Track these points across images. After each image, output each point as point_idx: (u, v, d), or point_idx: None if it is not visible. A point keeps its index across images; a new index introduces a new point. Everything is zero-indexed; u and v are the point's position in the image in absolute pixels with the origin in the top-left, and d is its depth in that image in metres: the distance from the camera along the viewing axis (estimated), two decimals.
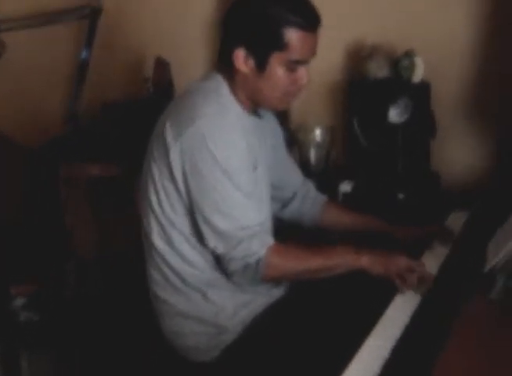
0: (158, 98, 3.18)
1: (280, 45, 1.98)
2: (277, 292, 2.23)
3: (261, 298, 2.17)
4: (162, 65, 3.23)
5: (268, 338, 2.07)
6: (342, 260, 2.06)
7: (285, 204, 2.49)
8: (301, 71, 2.04)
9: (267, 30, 1.99)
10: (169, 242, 2.11)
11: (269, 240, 2.02)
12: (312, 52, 2.05)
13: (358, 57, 3.10)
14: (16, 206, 3.27)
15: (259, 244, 1.98)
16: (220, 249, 2.00)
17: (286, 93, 2.08)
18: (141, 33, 3.53)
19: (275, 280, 2.16)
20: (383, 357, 1.63)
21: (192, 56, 3.43)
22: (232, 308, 2.12)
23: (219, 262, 2.05)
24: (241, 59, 2.03)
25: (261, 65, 2.02)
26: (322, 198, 2.52)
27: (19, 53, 3.52)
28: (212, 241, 2.00)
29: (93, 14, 3.40)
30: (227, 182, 1.97)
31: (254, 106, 2.15)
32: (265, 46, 2.00)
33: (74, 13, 3.39)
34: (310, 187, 2.51)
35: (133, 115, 3.29)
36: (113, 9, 3.46)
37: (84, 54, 3.50)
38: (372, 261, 2.03)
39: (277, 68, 2.01)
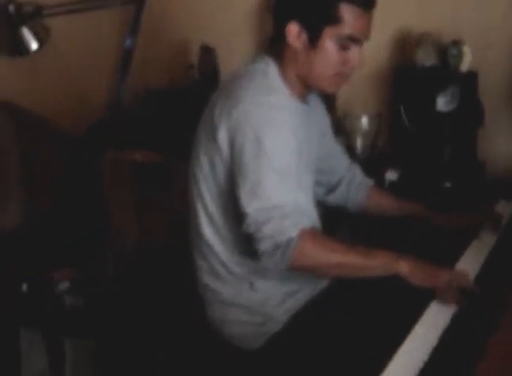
0: (203, 85, 3.19)
1: (334, 19, 1.99)
2: (323, 283, 2.22)
3: (307, 288, 2.17)
4: (207, 52, 3.24)
5: (313, 328, 2.07)
6: (381, 261, 1.92)
7: (331, 189, 2.49)
8: (353, 51, 2.04)
9: (322, 4, 1.99)
10: (217, 231, 2.12)
11: (304, 222, 1.89)
12: (365, 32, 2.04)
13: (405, 45, 3.09)
14: (59, 191, 3.29)
15: (291, 224, 1.85)
16: (250, 228, 1.89)
17: (337, 73, 2.07)
18: (186, 19, 3.54)
19: (302, 270, 1.97)
20: (422, 360, 1.59)
21: (238, 42, 3.43)
22: (279, 297, 2.12)
23: (251, 244, 1.93)
24: (294, 33, 2.03)
25: (314, 39, 2.02)
26: (367, 183, 2.53)
27: (64, 39, 3.54)
28: (244, 220, 1.91)
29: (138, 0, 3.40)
30: (265, 163, 1.92)
31: (304, 88, 2.14)
32: (318, 19, 2.01)
33: None
34: (356, 172, 2.52)
35: (178, 102, 3.30)
36: None
37: (128, 40, 3.50)
38: (412, 268, 1.89)
39: (329, 43, 2.02)
